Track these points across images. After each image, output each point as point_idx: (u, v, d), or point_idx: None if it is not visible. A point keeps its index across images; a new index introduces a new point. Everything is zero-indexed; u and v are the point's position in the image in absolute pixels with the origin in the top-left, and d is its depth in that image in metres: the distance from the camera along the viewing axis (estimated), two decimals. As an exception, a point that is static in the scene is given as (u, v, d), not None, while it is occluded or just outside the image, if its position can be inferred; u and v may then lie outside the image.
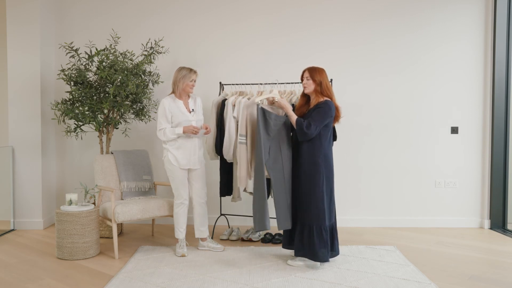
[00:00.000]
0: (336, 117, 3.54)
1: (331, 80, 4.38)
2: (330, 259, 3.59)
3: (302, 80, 3.57)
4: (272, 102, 3.66)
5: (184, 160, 3.80)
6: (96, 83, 4.36)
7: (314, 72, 3.51)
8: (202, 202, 3.94)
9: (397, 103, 4.84)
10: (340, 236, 4.34)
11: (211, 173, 4.75)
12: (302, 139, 3.44)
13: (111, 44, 4.42)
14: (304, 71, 3.56)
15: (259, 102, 3.53)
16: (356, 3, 4.84)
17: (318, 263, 3.49)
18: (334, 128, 3.99)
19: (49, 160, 4.92)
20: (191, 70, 3.83)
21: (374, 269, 3.46)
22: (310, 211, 3.42)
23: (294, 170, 3.58)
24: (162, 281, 3.22)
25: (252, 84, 4.52)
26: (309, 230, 3.43)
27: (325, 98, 3.47)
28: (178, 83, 3.79)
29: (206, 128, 3.84)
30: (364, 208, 4.89)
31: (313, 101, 3.52)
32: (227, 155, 4.13)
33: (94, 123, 4.35)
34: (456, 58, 4.80)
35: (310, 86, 3.51)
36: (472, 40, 4.78)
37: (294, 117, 3.48)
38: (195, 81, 3.85)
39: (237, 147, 3.75)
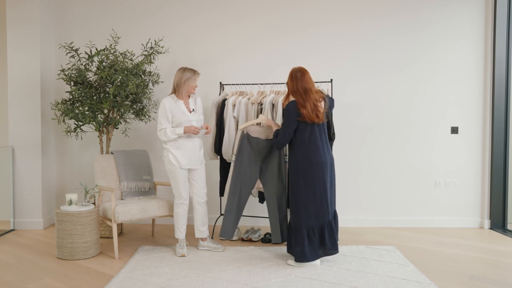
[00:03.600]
0: (303, 116, 3.42)
1: (331, 80, 4.38)
2: (324, 259, 3.62)
3: None
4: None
5: (185, 160, 3.80)
6: (96, 83, 4.36)
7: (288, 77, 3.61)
8: (202, 202, 3.94)
9: (397, 103, 4.84)
10: (340, 236, 4.34)
11: (211, 173, 4.75)
12: (278, 148, 3.62)
13: (111, 44, 4.42)
14: None
15: (243, 128, 3.86)
16: (356, 3, 4.84)
17: (318, 263, 3.51)
18: (331, 127, 4.01)
19: (49, 160, 4.92)
20: (195, 72, 3.83)
21: (374, 269, 3.46)
22: (292, 212, 3.56)
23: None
24: (162, 281, 3.22)
25: (252, 84, 4.52)
26: (289, 229, 3.59)
27: (290, 100, 3.54)
28: (183, 85, 3.78)
29: (207, 128, 3.84)
30: (364, 208, 4.89)
31: None
32: (227, 155, 4.13)
33: (94, 123, 4.35)
34: (456, 58, 4.80)
35: None
36: (472, 40, 4.78)
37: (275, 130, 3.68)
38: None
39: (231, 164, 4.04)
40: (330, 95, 3.90)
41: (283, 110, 3.60)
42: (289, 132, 3.47)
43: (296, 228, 3.50)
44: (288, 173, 3.62)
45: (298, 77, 3.50)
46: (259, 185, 3.99)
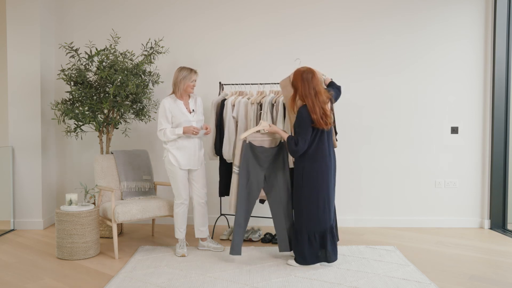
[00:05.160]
0: (314, 122, 3.36)
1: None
2: (323, 263, 3.59)
3: None
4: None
5: (185, 161, 3.80)
6: (96, 83, 4.36)
7: (293, 78, 3.48)
8: (202, 202, 3.94)
9: (397, 103, 4.84)
10: (340, 236, 4.33)
11: (211, 173, 4.74)
12: (295, 156, 3.46)
13: (111, 44, 4.42)
14: None
15: (245, 137, 3.64)
16: (356, 3, 4.84)
17: (318, 263, 3.51)
18: (335, 132, 4.00)
19: (49, 160, 4.92)
20: (191, 70, 3.82)
21: (374, 269, 3.46)
22: (295, 215, 3.55)
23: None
24: (162, 281, 3.22)
25: (251, 84, 4.52)
26: (293, 233, 3.57)
27: (302, 104, 3.43)
28: (179, 84, 3.78)
29: (206, 129, 3.84)
30: (364, 208, 4.89)
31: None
32: (227, 155, 4.13)
33: (94, 123, 4.35)
34: (456, 58, 4.80)
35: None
36: (472, 40, 4.78)
37: (285, 136, 3.51)
38: (195, 81, 3.85)
39: (232, 176, 3.79)
40: (338, 86, 3.76)
41: (296, 116, 3.43)
42: (308, 139, 3.36)
43: (297, 231, 3.50)
44: (293, 176, 3.55)
45: (310, 79, 3.37)
46: (262, 194, 3.83)
